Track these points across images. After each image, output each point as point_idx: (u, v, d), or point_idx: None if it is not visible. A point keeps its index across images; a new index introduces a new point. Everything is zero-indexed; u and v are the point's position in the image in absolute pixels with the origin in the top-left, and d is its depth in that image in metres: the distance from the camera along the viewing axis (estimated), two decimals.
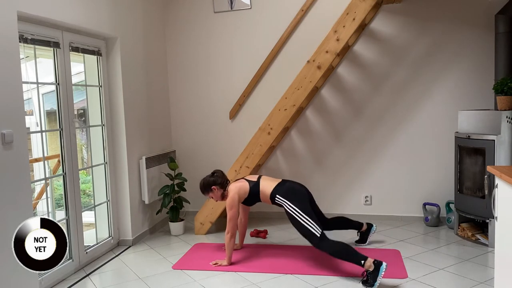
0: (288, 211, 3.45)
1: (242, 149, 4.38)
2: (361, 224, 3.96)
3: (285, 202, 3.48)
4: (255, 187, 3.63)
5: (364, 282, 3.09)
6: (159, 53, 4.99)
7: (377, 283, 3.01)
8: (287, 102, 4.13)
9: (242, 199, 3.66)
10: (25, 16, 2.98)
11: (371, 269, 3.04)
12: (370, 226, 3.98)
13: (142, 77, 4.53)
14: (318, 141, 4.83)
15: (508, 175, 2.27)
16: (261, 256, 3.78)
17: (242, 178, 3.78)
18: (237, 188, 3.63)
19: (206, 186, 3.75)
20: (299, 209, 3.40)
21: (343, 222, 3.94)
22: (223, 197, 3.75)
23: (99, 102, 4.04)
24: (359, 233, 3.99)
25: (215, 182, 3.71)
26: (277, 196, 3.53)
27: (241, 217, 3.92)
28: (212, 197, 3.80)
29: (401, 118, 4.60)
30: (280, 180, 3.68)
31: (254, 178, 3.73)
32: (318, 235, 3.30)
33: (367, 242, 3.96)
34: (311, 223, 3.33)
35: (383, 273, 3.01)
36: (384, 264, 3.03)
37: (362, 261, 3.09)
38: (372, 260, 3.06)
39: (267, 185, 3.61)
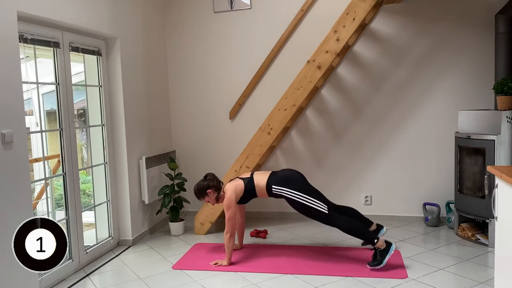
0: (288, 197, 3.49)
1: (242, 149, 4.38)
2: (370, 223, 3.77)
3: (283, 189, 3.52)
4: (249, 183, 3.64)
5: (372, 261, 3.28)
6: (159, 53, 4.99)
7: (384, 262, 3.21)
8: (287, 102, 4.13)
9: (239, 198, 3.66)
10: (25, 16, 2.98)
11: (382, 248, 3.24)
12: (380, 227, 3.76)
13: (142, 77, 4.53)
14: (318, 141, 4.83)
15: (508, 175, 2.27)
16: (261, 256, 3.78)
17: (236, 177, 3.78)
18: (234, 187, 3.64)
19: (201, 191, 3.70)
20: (298, 191, 3.46)
21: (353, 214, 3.72)
22: (218, 199, 3.73)
23: (99, 102, 4.04)
24: None
25: (209, 186, 3.68)
26: (273, 186, 3.56)
27: (238, 217, 3.89)
28: (208, 201, 3.75)
29: (401, 118, 4.60)
30: (270, 172, 3.71)
31: (247, 175, 3.74)
32: (326, 211, 3.37)
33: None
34: (315, 201, 3.40)
35: (392, 252, 3.24)
36: (393, 244, 3.28)
37: (375, 240, 3.29)
38: (384, 239, 3.29)
39: (261, 178, 3.64)
